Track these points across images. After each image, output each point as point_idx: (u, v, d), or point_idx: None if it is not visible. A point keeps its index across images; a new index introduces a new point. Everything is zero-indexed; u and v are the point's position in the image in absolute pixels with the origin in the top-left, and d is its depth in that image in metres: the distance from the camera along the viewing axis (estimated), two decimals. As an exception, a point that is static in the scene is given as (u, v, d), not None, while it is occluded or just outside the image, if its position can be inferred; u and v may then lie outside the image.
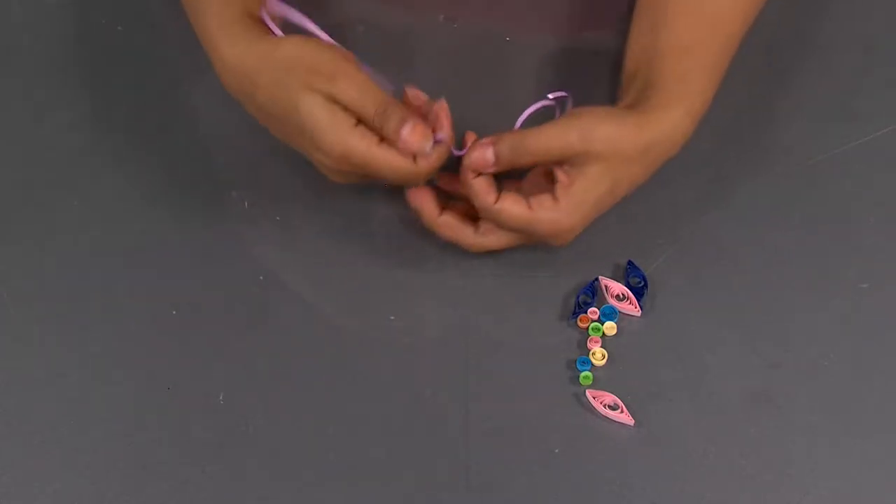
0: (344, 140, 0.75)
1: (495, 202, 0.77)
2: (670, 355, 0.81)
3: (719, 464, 0.77)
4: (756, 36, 0.88)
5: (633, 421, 0.78)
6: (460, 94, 0.92)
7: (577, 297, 0.83)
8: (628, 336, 0.82)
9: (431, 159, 0.76)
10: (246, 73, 0.78)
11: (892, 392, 0.79)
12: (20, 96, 0.93)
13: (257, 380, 0.81)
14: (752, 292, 0.83)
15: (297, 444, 0.78)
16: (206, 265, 0.85)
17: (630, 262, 0.84)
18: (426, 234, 0.82)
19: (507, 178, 0.81)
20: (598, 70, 0.89)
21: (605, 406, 0.78)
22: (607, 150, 0.76)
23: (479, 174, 0.78)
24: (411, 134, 0.75)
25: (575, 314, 0.82)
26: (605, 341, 0.81)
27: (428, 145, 0.76)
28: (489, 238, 0.81)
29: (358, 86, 0.76)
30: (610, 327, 0.82)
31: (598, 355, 0.80)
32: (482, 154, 0.77)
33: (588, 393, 0.79)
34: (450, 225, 0.81)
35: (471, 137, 0.79)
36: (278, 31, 0.79)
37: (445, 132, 0.77)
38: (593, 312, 0.82)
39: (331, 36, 0.79)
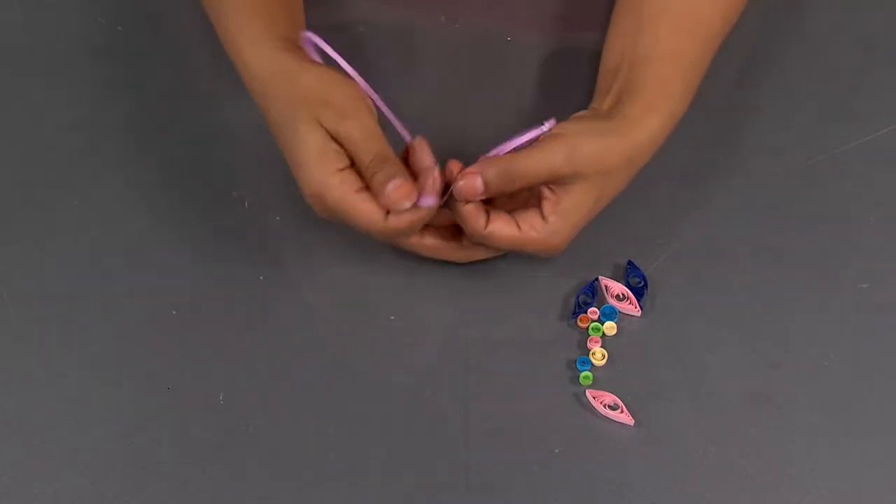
0: (324, 179, 0.75)
1: (485, 227, 0.78)
2: (670, 355, 0.81)
3: (719, 464, 0.77)
4: (756, 36, 0.88)
5: (633, 421, 0.78)
6: (460, 94, 0.92)
7: (577, 297, 0.83)
8: (628, 336, 0.82)
9: (402, 218, 0.75)
10: (266, 89, 0.79)
11: (892, 392, 0.79)
12: (20, 96, 0.93)
13: (257, 380, 0.81)
14: (752, 292, 0.83)
15: (297, 444, 0.78)
16: (206, 265, 0.85)
17: (630, 262, 0.84)
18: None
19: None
20: (598, 70, 0.89)
21: (605, 406, 0.78)
22: (593, 168, 0.77)
23: (468, 201, 0.78)
24: (395, 190, 0.74)
25: (575, 314, 0.82)
26: (605, 341, 0.81)
27: (407, 204, 0.75)
28: (477, 251, 0.81)
29: (364, 130, 0.76)
30: (610, 327, 0.82)
31: (598, 355, 0.80)
32: (472, 183, 0.76)
33: (588, 393, 0.79)
34: (435, 248, 0.81)
35: (456, 167, 0.78)
36: (317, 58, 0.79)
37: (430, 200, 0.76)
38: (593, 312, 0.82)
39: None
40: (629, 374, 0.80)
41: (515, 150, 0.77)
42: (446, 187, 0.77)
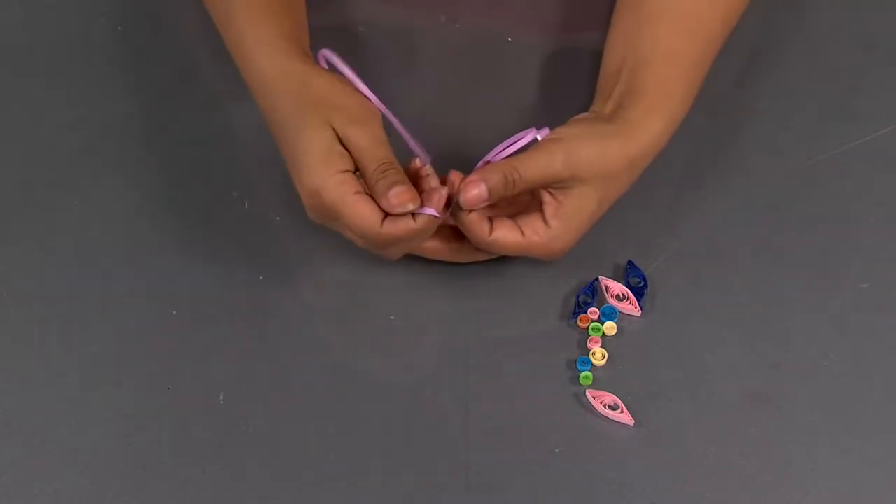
0: (325, 177, 0.75)
1: (489, 234, 0.78)
2: (670, 355, 0.81)
3: (719, 464, 0.77)
4: (756, 36, 0.88)
5: (633, 421, 0.78)
6: (460, 95, 0.92)
7: (577, 297, 0.83)
8: (628, 336, 0.82)
9: (398, 225, 0.75)
10: (274, 88, 0.79)
11: (892, 392, 0.79)
12: (20, 96, 0.93)
13: (257, 380, 0.81)
14: (752, 292, 0.83)
15: (297, 444, 0.78)
16: (206, 265, 0.85)
17: (630, 262, 0.84)
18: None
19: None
20: (598, 71, 0.89)
21: (605, 406, 0.78)
22: (593, 172, 0.77)
23: (472, 210, 0.77)
24: (398, 195, 0.74)
25: (575, 314, 0.82)
26: (605, 341, 0.81)
27: (410, 206, 0.74)
28: (480, 253, 0.81)
29: (373, 138, 0.76)
30: (610, 327, 0.82)
31: (598, 355, 0.80)
32: (478, 191, 0.76)
33: (588, 393, 0.79)
34: (437, 250, 0.81)
35: (457, 178, 0.78)
36: (345, 70, 0.79)
37: (432, 210, 0.75)
38: (593, 312, 0.82)
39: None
40: (629, 374, 0.80)
41: (511, 155, 0.78)
42: (448, 199, 0.77)
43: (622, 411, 0.78)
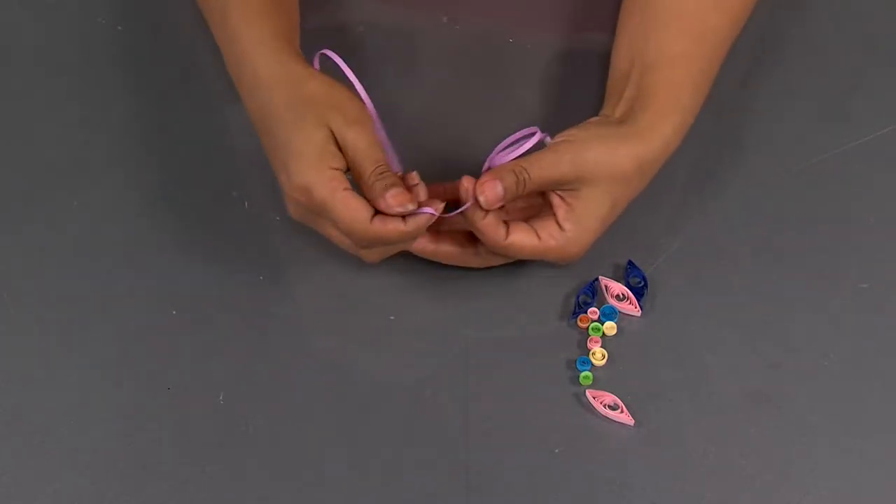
0: (317, 172, 0.75)
1: (505, 238, 0.78)
2: (670, 355, 0.81)
3: (719, 464, 0.77)
4: (756, 36, 0.88)
5: (633, 421, 0.78)
6: (460, 95, 0.92)
7: (577, 297, 0.83)
8: (628, 336, 0.82)
9: (388, 224, 0.75)
10: (269, 87, 0.78)
11: (892, 392, 0.79)
12: (20, 96, 0.93)
13: (257, 380, 0.81)
14: (752, 292, 0.83)
15: (297, 444, 0.78)
16: (206, 265, 0.85)
17: (630, 262, 0.84)
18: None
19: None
20: (600, 71, 0.89)
21: (605, 406, 0.78)
22: (601, 174, 0.77)
23: (487, 213, 0.77)
24: (395, 196, 0.74)
25: (575, 314, 0.82)
26: (605, 341, 0.81)
27: (410, 206, 0.74)
28: (494, 258, 0.81)
29: (370, 141, 0.76)
30: (610, 327, 0.82)
31: (598, 355, 0.80)
32: (494, 191, 0.77)
33: (588, 393, 0.79)
34: (451, 255, 0.81)
35: (469, 182, 0.77)
36: (346, 70, 0.79)
37: (430, 210, 0.75)
38: (593, 312, 0.82)
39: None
40: (629, 374, 0.80)
41: (519, 157, 0.78)
42: (455, 202, 0.77)
43: (622, 411, 0.78)
